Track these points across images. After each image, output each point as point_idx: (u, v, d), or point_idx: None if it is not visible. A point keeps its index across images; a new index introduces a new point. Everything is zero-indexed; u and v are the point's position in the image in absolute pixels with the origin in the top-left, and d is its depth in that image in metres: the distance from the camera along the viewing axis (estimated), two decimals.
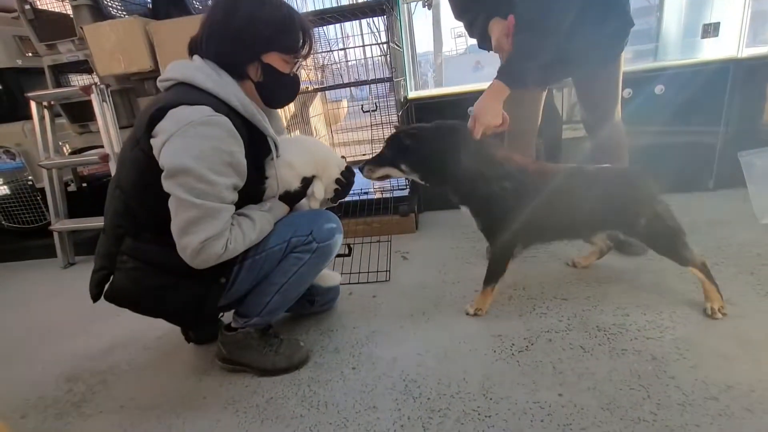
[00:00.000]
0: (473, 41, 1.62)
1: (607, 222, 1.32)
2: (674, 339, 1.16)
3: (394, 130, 1.42)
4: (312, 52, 1.16)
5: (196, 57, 1.06)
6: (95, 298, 1.14)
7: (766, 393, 0.95)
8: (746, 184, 1.74)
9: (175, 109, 0.96)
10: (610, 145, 1.58)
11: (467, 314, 1.40)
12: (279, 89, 1.14)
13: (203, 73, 1.02)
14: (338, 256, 1.88)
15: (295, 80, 1.16)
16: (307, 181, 1.20)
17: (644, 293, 1.38)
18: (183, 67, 1.04)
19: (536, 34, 1.25)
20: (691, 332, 1.18)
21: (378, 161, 1.38)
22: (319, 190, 1.21)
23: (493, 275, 1.39)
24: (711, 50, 2.13)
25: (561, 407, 0.99)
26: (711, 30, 2.04)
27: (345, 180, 1.26)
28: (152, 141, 0.97)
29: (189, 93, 1.00)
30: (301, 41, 1.10)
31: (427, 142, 1.29)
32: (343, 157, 1.28)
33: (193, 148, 0.94)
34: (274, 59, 1.08)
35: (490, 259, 1.44)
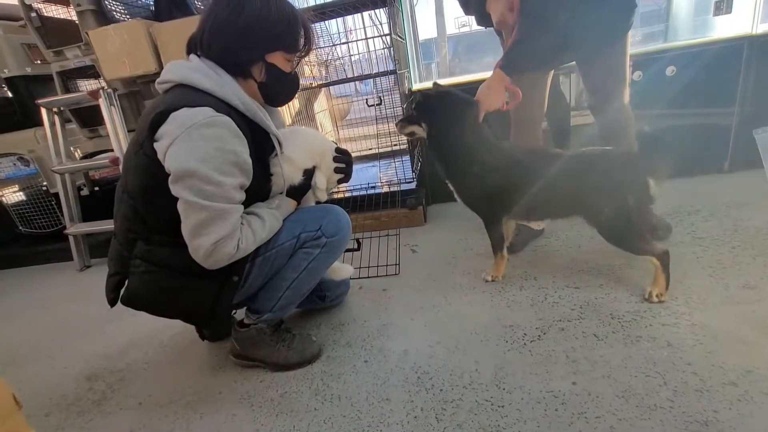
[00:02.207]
0: (478, 29, 1.63)
1: (577, 206, 1.36)
2: (690, 325, 1.14)
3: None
4: (312, 49, 1.15)
5: (193, 57, 1.06)
6: (112, 303, 1.16)
7: None
8: (762, 164, 1.69)
9: (177, 111, 0.96)
10: (616, 129, 1.55)
11: (485, 281, 1.54)
12: (281, 89, 1.14)
13: (202, 73, 1.02)
14: (348, 250, 1.89)
15: (295, 78, 1.17)
16: (309, 173, 1.20)
17: None
18: (181, 68, 1.04)
19: (537, 25, 1.31)
20: (708, 317, 1.16)
21: (408, 119, 1.54)
22: (321, 181, 1.21)
23: (495, 244, 1.53)
24: (724, 28, 2.07)
25: (575, 396, 0.98)
26: (723, 6, 1.98)
27: (343, 163, 1.26)
28: (156, 145, 0.97)
29: (189, 94, 1.00)
30: (303, 39, 1.09)
31: (436, 102, 1.44)
32: (334, 142, 1.28)
33: (197, 150, 0.95)
34: (278, 59, 1.08)
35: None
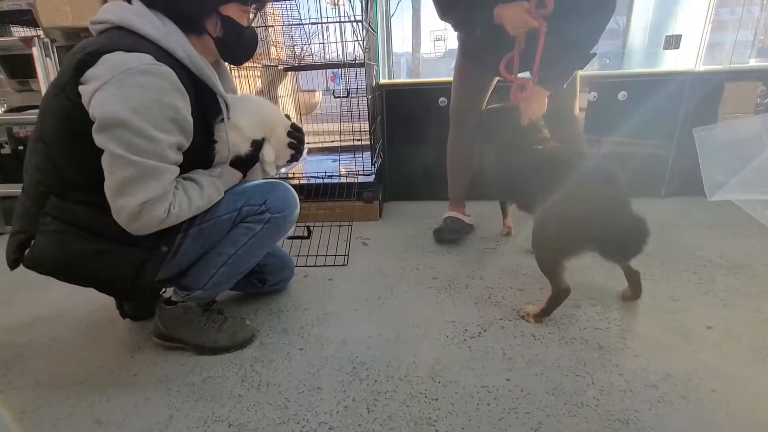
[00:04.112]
0: (452, 46, 1.64)
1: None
2: (621, 330, 1.19)
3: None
4: (267, 0, 1.09)
5: (135, 1, 0.95)
6: (13, 264, 1.02)
7: (701, 381, 0.98)
8: (693, 191, 1.82)
9: (110, 54, 0.86)
10: (567, 137, 1.61)
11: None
12: (240, 43, 1.07)
13: (145, 18, 0.92)
14: (297, 238, 1.82)
15: (254, 33, 1.09)
16: (257, 144, 1.13)
17: (596, 287, 1.40)
18: (121, 9, 0.93)
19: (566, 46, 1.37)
20: (637, 324, 1.21)
21: None
22: (269, 154, 1.13)
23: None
24: (672, 62, 2.23)
25: (508, 392, 0.98)
26: (673, 42, 2.13)
27: (296, 139, 1.19)
28: (81, 88, 0.86)
29: (127, 38, 0.90)
30: None
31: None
32: (287, 115, 1.21)
33: (130, 98, 0.85)
34: (233, 10, 1.01)
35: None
